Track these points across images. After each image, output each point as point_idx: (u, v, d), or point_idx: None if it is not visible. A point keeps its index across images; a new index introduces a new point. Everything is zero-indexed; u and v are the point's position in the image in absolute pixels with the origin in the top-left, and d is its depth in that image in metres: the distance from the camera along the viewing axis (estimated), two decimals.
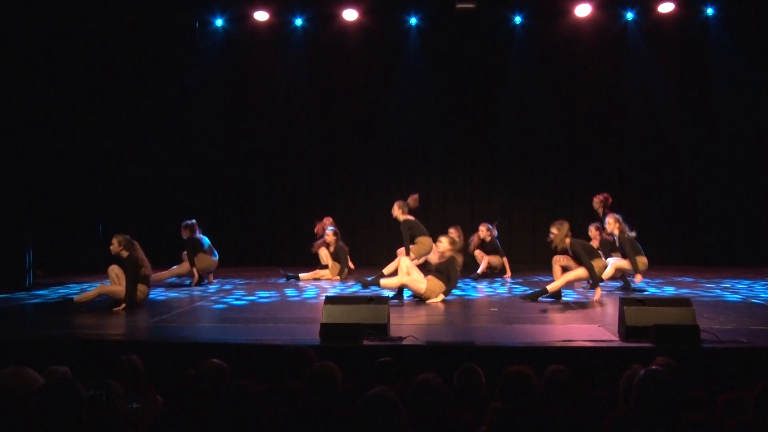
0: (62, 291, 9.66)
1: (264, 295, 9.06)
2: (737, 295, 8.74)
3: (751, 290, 9.24)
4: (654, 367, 3.08)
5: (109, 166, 13.03)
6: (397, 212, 9.38)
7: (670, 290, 9.32)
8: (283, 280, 10.58)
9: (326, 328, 5.84)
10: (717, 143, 12.90)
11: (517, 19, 13.07)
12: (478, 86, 13.11)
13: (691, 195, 12.88)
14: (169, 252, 12.93)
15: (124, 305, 7.73)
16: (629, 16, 12.89)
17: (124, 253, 7.97)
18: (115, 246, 8.01)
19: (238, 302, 8.58)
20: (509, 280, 10.68)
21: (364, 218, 13.13)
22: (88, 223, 12.87)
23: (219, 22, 13.26)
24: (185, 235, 10.28)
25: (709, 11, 12.65)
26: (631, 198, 13.01)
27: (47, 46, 11.48)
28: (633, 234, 9.18)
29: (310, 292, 9.39)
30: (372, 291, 8.78)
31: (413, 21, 13.15)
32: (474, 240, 11.21)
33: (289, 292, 9.47)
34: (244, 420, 3.06)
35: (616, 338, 5.85)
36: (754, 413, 3.29)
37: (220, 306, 8.24)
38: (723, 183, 12.86)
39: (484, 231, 11.14)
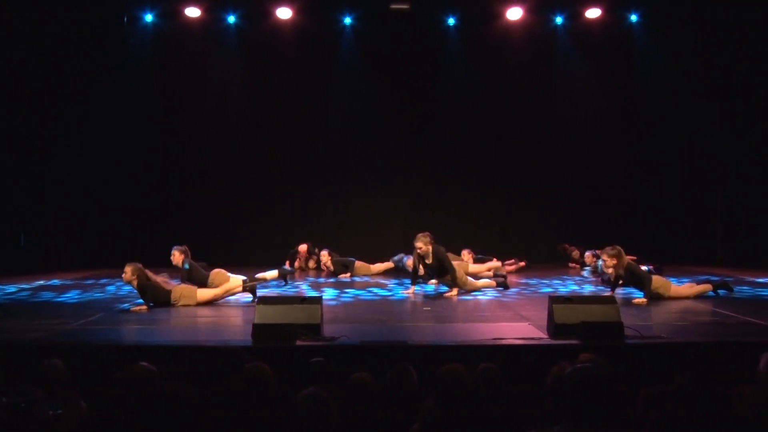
0: None
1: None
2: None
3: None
4: (580, 365, 3.16)
5: (33, 169, 12.55)
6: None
7: (589, 288, 9.62)
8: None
9: (259, 329, 5.77)
10: (641, 144, 13.41)
11: (451, 21, 13.24)
12: (412, 86, 13.23)
13: (617, 194, 13.30)
14: (95, 256, 12.60)
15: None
16: (558, 20, 13.24)
17: (134, 283, 7.82)
18: (128, 275, 7.81)
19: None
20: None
21: (300, 217, 13.05)
22: (9, 229, 12.36)
23: (149, 18, 12.93)
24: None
25: (633, 18, 13.17)
26: (560, 196, 13.38)
27: None
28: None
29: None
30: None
31: (347, 20, 13.16)
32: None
33: None
34: (174, 424, 2.99)
35: (545, 336, 5.98)
36: (672, 405, 3.43)
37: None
38: (646, 182, 13.34)
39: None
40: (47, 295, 9.02)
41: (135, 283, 7.80)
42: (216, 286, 8.58)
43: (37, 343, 5.85)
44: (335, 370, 4.48)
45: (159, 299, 7.87)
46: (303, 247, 12.22)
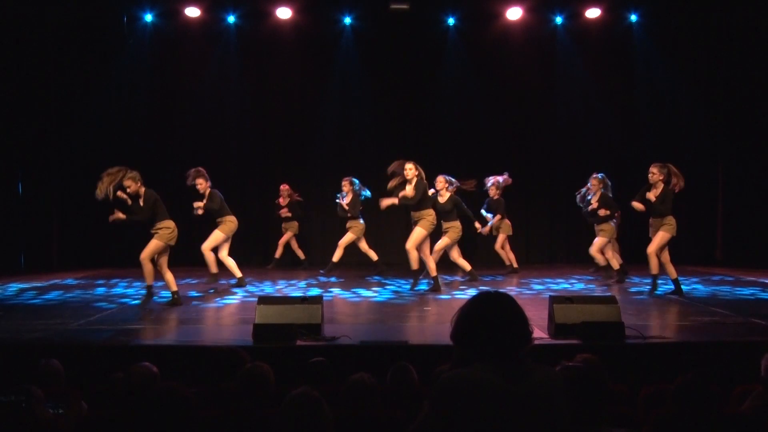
0: None
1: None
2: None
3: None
4: (571, 363, 3.16)
5: (33, 165, 12.53)
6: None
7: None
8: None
9: (259, 329, 5.78)
10: (639, 144, 13.40)
11: (451, 21, 13.23)
12: (411, 86, 13.21)
13: (615, 193, 13.28)
14: (95, 256, 12.60)
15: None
16: (558, 20, 13.24)
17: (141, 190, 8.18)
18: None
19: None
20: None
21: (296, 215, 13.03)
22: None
23: (148, 18, 12.92)
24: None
25: (633, 17, 13.16)
26: (559, 197, 13.36)
27: None
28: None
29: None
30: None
31: (347, 20, 13.15)
32: None
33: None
34: (174, 424, 2.99)
35: (546, 335, 5.98)
36: (672, 405, 3.43)
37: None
38: (644, 182, 13.31)
39: None
40: (48, 296, 9.01)
41: (142, 190, 8.15)
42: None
43: (36, 343, 5.84)
44: (336, 369, 4.48)
45: (145, 214, 8.10)
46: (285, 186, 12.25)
